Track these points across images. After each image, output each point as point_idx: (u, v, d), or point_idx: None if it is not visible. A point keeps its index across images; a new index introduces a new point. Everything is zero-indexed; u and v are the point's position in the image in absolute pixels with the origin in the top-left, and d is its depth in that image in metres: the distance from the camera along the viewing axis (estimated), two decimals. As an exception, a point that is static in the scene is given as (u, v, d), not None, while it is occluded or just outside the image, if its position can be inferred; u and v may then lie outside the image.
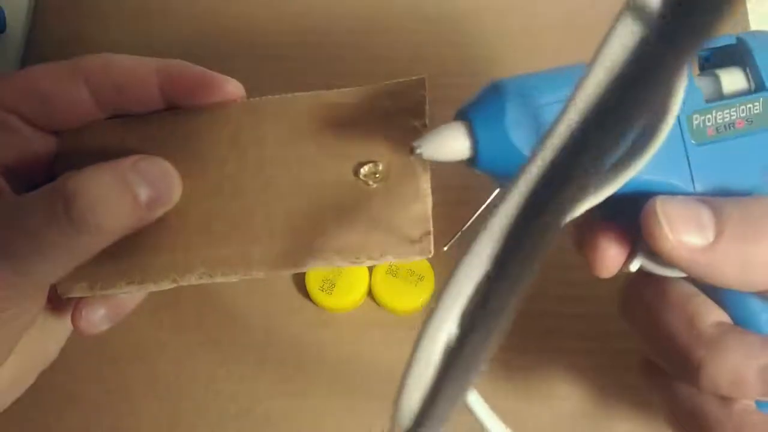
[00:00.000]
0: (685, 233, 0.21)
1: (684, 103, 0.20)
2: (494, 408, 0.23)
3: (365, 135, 0.24)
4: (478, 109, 0.21)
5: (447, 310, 0.18)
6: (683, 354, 0.23)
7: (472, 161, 0.22)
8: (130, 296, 0.26)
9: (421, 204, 0.24)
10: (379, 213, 0.24)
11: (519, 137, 0.21)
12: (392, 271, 0.35)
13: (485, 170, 0.22)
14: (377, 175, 0.24)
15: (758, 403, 0.23)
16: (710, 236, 0.21)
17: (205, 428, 0.34)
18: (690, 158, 0.23)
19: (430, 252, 0.23)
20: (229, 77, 0.25)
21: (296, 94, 0.25)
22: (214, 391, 0.35)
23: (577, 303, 0.35)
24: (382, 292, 0.35)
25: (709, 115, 0.23)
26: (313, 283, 0.35)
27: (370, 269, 0.35)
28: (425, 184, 0.24)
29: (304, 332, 0.36)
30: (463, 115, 0.22)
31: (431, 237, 0.23)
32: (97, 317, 0.25)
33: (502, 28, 0.41)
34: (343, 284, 0.34)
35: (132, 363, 0.35)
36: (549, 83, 0.22)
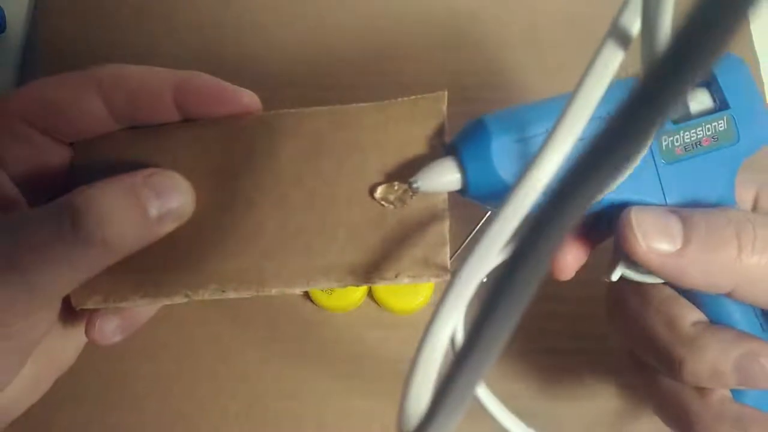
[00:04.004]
0: (655, 240, 0.22)
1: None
2: (516, 408, 0.23)
3: (382, 153, 0.24)
4: (467, 145, 0.23)
5: (450, 310, 0.18)
6: (666, 353, 0.24)
7: (463, 191, 0.23)
8: (144, 308, 0.26)
9: (437, 224, 0.23)
10: (394, 233, 0.23)
11: (506, 170, 0.23)
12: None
13: (475, 198, 0.24)
14: (393, 196, 0.23)
15: (734, 393, 0.25)
16: (678, 244, 0.22)
17: (206, 426, 0.34)
18: (661, 177, 0.24)
19: (447, 274, 0.23)
20: (244, 89, 0.25)
21: (313, 108, 0.25)
22: (215, 389, 0.35)
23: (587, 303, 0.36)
24: (382, 292, 0.35)
25: (677, 136, 0.24)
26: (313, 282, 0.35)
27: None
28: (442, 204, 0.23)
29: (304, 331, 0.36)
30: (453, 151, 0.23)
31: (448, 258, 0.23)
32: (111, 329, 0.25)
33: (503, 28, 0.41)
34: (344, 284, 0.35)
35: (134, 360, 0.35)
36: (534, 116, 0.23)
